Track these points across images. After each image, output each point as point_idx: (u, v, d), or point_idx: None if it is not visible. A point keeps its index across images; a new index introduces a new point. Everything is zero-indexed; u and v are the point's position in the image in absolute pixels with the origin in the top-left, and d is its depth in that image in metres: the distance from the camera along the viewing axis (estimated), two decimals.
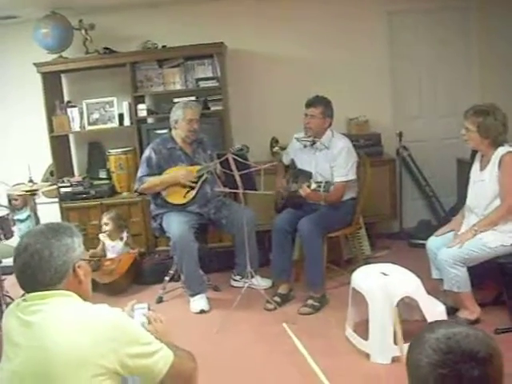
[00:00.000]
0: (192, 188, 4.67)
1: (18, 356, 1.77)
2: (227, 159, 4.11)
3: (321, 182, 4.00)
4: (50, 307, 1.78)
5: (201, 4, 5.74)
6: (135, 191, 4.95)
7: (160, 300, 4.80)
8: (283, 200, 4.64)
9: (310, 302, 4.34)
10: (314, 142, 4.50)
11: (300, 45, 5.87)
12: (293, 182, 4.47)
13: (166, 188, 4.69)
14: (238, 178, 4.10)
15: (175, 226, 4.54)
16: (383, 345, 3.43)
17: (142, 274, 5.26)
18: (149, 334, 1.90)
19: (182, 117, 4.69)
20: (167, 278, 4.85)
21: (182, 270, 4.61)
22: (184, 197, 4.69)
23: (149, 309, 2.24)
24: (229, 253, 5.15)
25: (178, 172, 4.67)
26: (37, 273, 1.81)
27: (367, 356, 3.51)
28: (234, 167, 4.07)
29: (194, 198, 4.70)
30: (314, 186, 4.02)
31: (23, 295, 1.88)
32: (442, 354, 1.30)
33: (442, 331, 1.35)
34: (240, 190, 4.18)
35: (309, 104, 4.49)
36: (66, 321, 1.75)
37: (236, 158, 4.09)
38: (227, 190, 4.48)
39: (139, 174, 4.78)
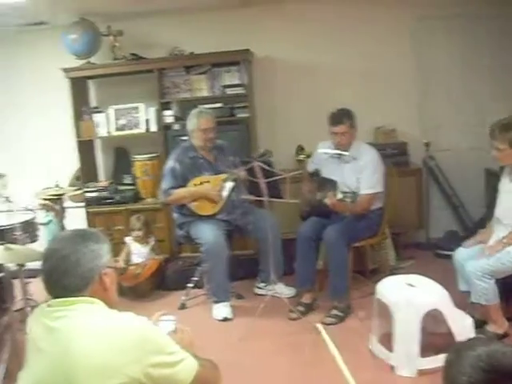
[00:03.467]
0: (220, 199, 4.68)
1: (41, 362, 1.77)
2: (253, 167, 4.10)
3: (347, 193, 3.97)
4: (74, 313, 1.77)
5: (228, 11, 5.74)
6: (162, 203, 4.95)
7: (183, 306, 4.79)
8: (308, 208, 4.60)
9: (334, 311, 4.29)
10: (341, 155, 4.45)
11: (326, 52, 5.83)
12: (318, 190, 4.43)
13: (193, 200, 4.68)
14: (263, 186, 4.08)
15: (208, 233, 4.52)
16: (408, 357, 3.38)
17: (165, 280, 5.27)
18: (174, 344, 1.88)
19: (196, 126, 4.69)
20: (191, 285, 4.84)
21: (211, 276, 4.61)
22: (213, 208, 4.68)
23: (175, 322, 2.22)
24: (252, 260, 5.14)
25: (206, 185, 4.66)
26: (63, 278, 1.81)
27: (392, 368, 3.46)
28: (259, 175, 4.04)
29: (222, 207, 4.70)
30: (340, 196, 3.99)
31: (47, 300, 1.87)
32: (483, 373, 1.27)
33: (482, 349, 1.32)
34: (265, 198, 4.15)
35: (336, 122, 4.36)
36: (90, 328, 1.74)
37: (262, 165, 4.07)
38: (253, 197, 4.46)
39: (164, 185, 4.74)
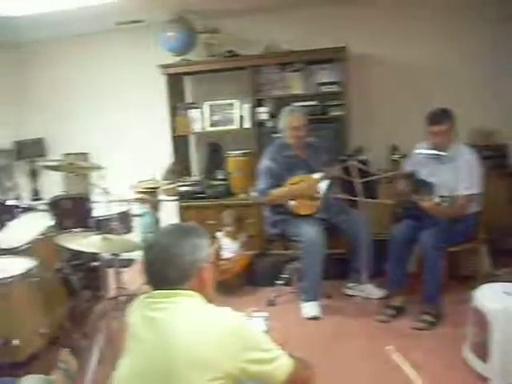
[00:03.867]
0: (318, 197, 4.66)
1: (141, 351, 1.81)
2: (349, 165, 4.05)
3: (445, 197, 3.85)
4: (175, 306, 1.80)
5: (323, 7, 5.69)
6: (257, 203, 4.98)
7: (271, 303, 4.80)
8: (403, 209, 4.50)
9: (425, 317, 4.18)
10: (439, 155, 4.33)
11: (424, 50, 5.68)
12: (413, 192, 4.32)
13: (290, 199, 4.68)
14: (358, 186, 4.03)
15: (308, 230, 4.51)
16: (505, 369, 3.24)
17: (254, 276, 5.29)
18: (270, 341, 1.89)
19: (287, 124, 4.70)
20: (280, 282, 4.85)
21: (306, 274, 4.58)
22: (311, 207, 4.66)
23: (267, 319, 2.23)
24: (342, 260, 5.08)
25: (303, 184, 4.65)
26: (164, 269, 1.84)
27: (485, 380, 3.32)
28: (355, 174, 3.99)
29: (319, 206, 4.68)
30: (437, 200, 3.88)
31: (147, 291, 1.91)
32: None
33: None
34: (360, 198, 4.10)
35: (435, 122, 4.23)
36: (191, 321, 1.77)
37: (358, 164, 4.02)
38: (347, 196, 4.40)
39: (261, 185, 4.76)
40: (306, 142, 4.75)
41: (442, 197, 3.86)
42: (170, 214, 5.74)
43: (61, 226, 4.17)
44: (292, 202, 4.67)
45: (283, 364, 1.88)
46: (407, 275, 4.50)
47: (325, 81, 5.59)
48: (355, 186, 4.08)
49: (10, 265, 3.45)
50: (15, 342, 3.11)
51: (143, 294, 1.93)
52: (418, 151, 4.43)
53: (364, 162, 4.12)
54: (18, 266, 3.40)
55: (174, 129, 5.91)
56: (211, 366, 1.72)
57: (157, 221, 5.36)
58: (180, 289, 1.85)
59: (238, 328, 1.80)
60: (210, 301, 1.92)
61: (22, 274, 3.25)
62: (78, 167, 4.24)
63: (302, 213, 4.66)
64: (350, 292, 4.85)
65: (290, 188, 4.69)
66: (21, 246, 3.75)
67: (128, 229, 4.91)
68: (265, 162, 4.79)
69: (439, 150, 4.27)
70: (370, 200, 4.20)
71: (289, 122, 4.69)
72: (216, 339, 1.74)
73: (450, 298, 4.52)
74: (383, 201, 4.16)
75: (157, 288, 1.87)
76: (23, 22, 5.39)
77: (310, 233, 4.49)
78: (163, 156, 5.97)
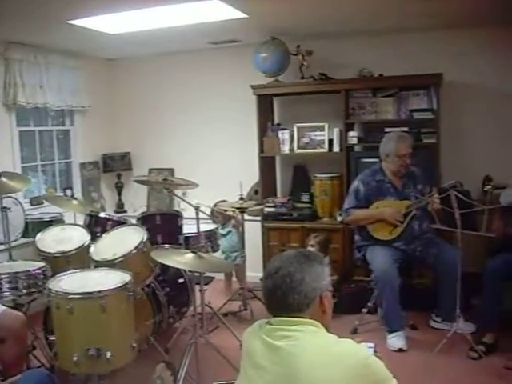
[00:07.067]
0: (399, 225, 4.57)
1: (263, 379, 1.77)
2: (447, 195, 3.94)
3: None
4: (300, 335, 1.76)
5: (417, 33, 5.59)
6: (341, 222, 4.95)
7: (355, 331, 4.72)
8: (500, 242, 4.35)
9: None
10: None
11: None
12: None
13: (372, 222, 4.63)
14: (458, 216, 3.91)
15: (379, 259, 4.47)
16: None
17: (337, 302, 5.19)
18: (391, 375, 1.83)
19: (394, 151, 4.61)
20: (365, 310, 4.76)
21: (381, 304, 4.54)
22: (390, 233, 4.61)
23: (375, 350, 2.16)
24: (429, 290, 4.94)
25: (386, 210, 4.59)
26: (287, 295, 1.81)
27: None
28: (455, 204, 3.88)
29: (400, 234, 4.58)
30: None
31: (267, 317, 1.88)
32: None
33: None
34: (459, 229, 3.97)
35: None
36: (317, 352, 1.72)
37: (459, 195, 3.90)
38: (445, 227, 4.28)
39: (346, 205, 4.79)
40: (407, 171, 4.69)
41: None
42: (252, 234, 5.74)
43: (151, 241, 4.21)
44: (371, 225, 4.63)
45: None
46: (501, 311, 4.33)
47: (417, 107, 5.48)
48: (453, 217, 3.96)
49: (105, 277, 3.50)
50: (108, 354, 3.12)
51: (262, 320, 1.90)
52: None
53: (465, 194, 3.99)
54: (113, 279, 3.43)
55: (261, 149, 5.91)
56: None
57: (243, 241, 5.36)
58: (301, 317, 1.81)
59: (366, 361, 1.75)
60: (327, 328, 1.88)
61: (118, 288, 3.27)
62: (172, 183, 4.27)
63: (379, 237, 4.62)
64: (436, 325, 4.73)
65: (371, 211, 4.64)
66: (116, 259, 3.80)
67: (214, 247, 4.92)
68: (355, 183, 4.78)
69: None
70: (470, 232, 4.06)
71: (396, 148, 4.61)
72: (344, 372, 1.68)
73: None
74: (483, 233, 4.00)
75: (277, 315, 1.84)
76: (117, 39, 5.53)
77: (381, 263, 4.45)
78: (249, 176, 5.98)
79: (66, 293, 3.19)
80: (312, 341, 1.75)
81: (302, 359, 1.70)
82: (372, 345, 2.19)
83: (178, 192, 5.14)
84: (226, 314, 5.14)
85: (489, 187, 5.08)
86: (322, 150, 5.76)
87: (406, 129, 5.35)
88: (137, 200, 6.93)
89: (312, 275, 1.84)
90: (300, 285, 1.81)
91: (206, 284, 5.05)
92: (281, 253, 2.00)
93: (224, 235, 5.68)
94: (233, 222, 5.77)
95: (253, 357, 1.84)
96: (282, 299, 1.82)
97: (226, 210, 5.36)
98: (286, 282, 1.82)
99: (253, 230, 5.82)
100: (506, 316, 4.43)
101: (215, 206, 5.68)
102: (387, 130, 5.28)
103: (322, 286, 1.86)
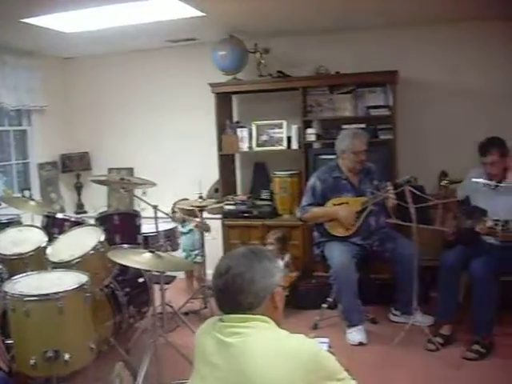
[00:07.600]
0: (351, 228, 4.64)
1: (214, 377, 1.77)
2: (402, 190, 4.00)
3: (498, 221, 3.78)
4: (251, 331, 1.76)
5: (373, 31, 5.66)
6: (299, 219, 4.99)
7: (315, 327, 4.76)
8: (455, 236, 4.42)
9: (475, 347, 4.08)
10: (496, 186, 4.24)
11: (476, 77, 5.56)
12: (467, 218, 4.24)
13: (329, 220, 4.68)
14: (412, 211, 3.97)
15: (337, 255, 4.52)
16: None
17: (297, 298, 5.23)
18: (343, 369, 1.85)
19: (349, 148, 4.66)
20: (325, 305, 4.80)
21: (340, 299, 4.59)
22: (347, 229, 4.65)
23: (329, 345, 2.18)
24: (387, 285, 5.01)
25: (340, 211, 4.65)
26: (238, 295, 1.80)
27: None
28: (410, 200, 3.94)
29: (356, 230, 4.65)
30: (490, 223, 3.81)
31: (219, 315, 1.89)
32: None
33: None
34: (414, 224, 4.04)
35: (484, 152, 4.22)
36: (267, 347, 1.73)
37: (413, 190, 3.97)
38: (400, 222, 4.34)
39: (303, 202, 4.83)
40: (363, 167, 4.74)
41: (495, 220, 3.79)
42: (213, 232, 5.74)
43: (110, 242, 4.18)
44: (328, 222, 4.67)
45: None
46: (458, 303, 4.41)
47: (374, 104, 5.54)
48: (408, 212, 4.02)
49: (62, 279, 3.45)
50: (66, 355, 3.09)
51: (214, 317, 1.91)
52: (474, 180, 4.33)
53: (419, 189, 4.05)
54: (71, 280, 3.40)
55: (220, 147, 5.91)
56: None
57: (203, 239, 5.35)
58: (253, 313, 1.81)
59: (316, 356, 1.76)
60: (279, 324, 1.89)
61: (75, 289, 3.24)
62: (129, 182, 4.23)
63: (336, 234, 4.68)
64: (395, 319, 4.80)
65: (327, 208, 4.70)
66: (73, 260, 3.77)
67: (174, 246, 4.90)
68: (311, 180, 4.83)
69: (495, 180, 4.20)
70: (425, 226, 4.13)
71: (352, 145, 4.65)
72: (293, 366, 1.69)
73: (503, 328, 4.41)
74: (438, 227, 4.08)
75: (229, 313, 1.83)
76: (73, 38, 5.47)
77: (338, 258, 4.50)
78: (209, 174, 5.98)
79: (21, 295, 3.14)
80: (263, 337, 1.76)
81: (253, 355, 1.70)
82: (326, 340, 2.20)
83: (139, 191, 5.09)
84: (186, 313, 5.12)
85: (445, 182, 5.20)
86: (280, 148, 5.78)
87: (363, 125, 5.41)
88: (97, 200, 6.85)
89: (262, 273, 1.83)
90: (251, 284, 1.80)
91: (168, 283, 5.03)
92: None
93: (185, 233, 5.67)
94: (196, 221, 5.73)
95: (205, 354, 1.83)
96: (234, 299, 1.81)
97: (191, 209, 5.32)
98: (236, 283, 1.80)
99: (213, 227, 5.81)
100: (462, 307, 4.51)
101: (175, 204, 5.68)
102: (345, 126, 5.33)
103: (272, 282, 1.85)
